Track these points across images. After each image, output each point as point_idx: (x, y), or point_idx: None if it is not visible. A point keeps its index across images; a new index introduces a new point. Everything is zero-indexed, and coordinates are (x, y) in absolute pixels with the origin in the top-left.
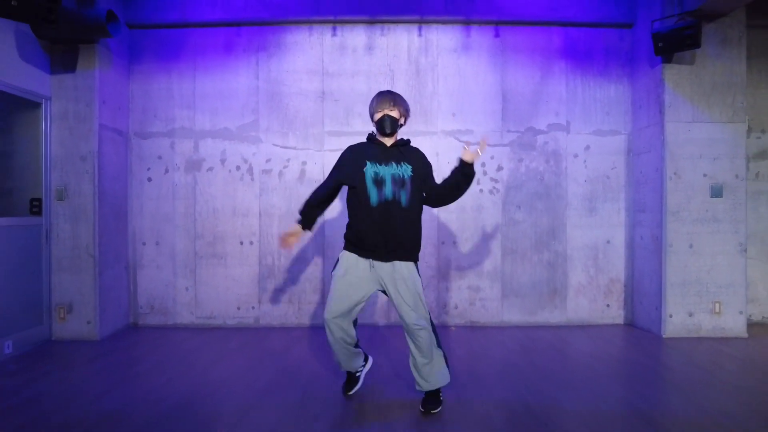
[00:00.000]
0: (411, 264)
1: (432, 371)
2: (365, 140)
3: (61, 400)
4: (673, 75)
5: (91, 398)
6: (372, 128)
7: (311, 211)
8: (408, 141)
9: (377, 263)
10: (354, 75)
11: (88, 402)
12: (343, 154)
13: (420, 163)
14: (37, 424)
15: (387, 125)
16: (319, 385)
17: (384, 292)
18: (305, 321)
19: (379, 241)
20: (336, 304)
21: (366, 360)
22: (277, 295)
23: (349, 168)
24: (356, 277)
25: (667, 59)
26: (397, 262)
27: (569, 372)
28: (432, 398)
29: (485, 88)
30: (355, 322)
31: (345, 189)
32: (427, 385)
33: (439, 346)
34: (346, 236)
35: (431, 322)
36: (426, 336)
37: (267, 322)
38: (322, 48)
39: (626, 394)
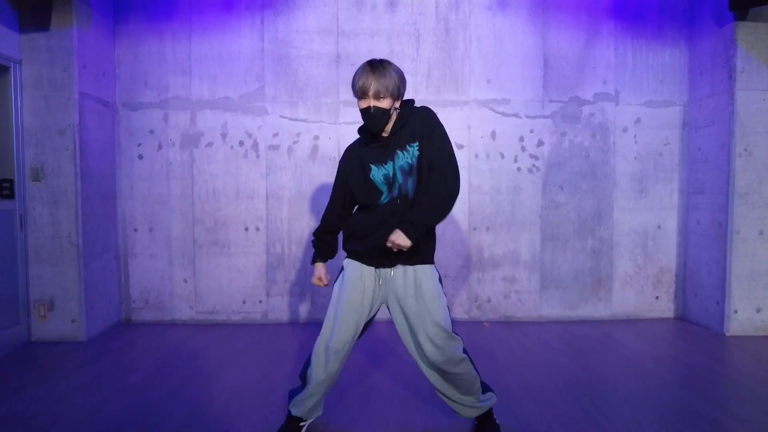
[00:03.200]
0: (429, 267)
1: (478, 398)
2: (357, 140)
3: (43, 420)
4: (747, 35)
5: (78, 417)
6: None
7: (322, 241)
8: (410, 104)
9: (384, 272)
10: (374, 35)
11: (76, 422)
12: (340, 163)
13: (422, 130)
14: None
15: (370, 122)
16: (344, 394)
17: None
18: (319, 316)
19: (384, 241)
20: (344, 328)
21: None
22: (287, 287)
23: (354, 178)
24: (367, 289)
25: (741, 16)
26: (408, 267)
27: (632, 380)
28: (488, 424)
29: (524, 52)
30: None
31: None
32: (473, 412)
33: (476, 372)
34: (345, 233)
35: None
36: (468, 368)
37: (276, 317)
38: (336, 4)
39: (699, 402)
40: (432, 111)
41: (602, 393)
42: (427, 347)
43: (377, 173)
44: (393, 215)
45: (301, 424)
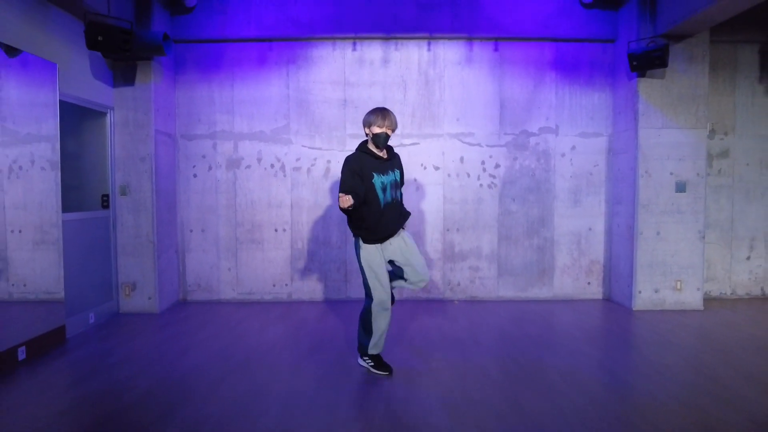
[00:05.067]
0: (405, 232)
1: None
2: (358, 151)
3: (148, 361)
4: (646, 87)
5: (170, 359)
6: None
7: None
8: (391, 147)
9: (388, 241)
10: (371, 85)
11: (169, 362)
12: (351, 167)
13: (401, 165)
14: (137, 378)
15: (382, 141)
16: (352, 347)
17: (390, 262)
18: (331, 295)
19: (390, 230)
20: (387, 290)
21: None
22: (306, 274)
23: (362, 178)
24: (381, 257)
25: (642, 74)
26: (398, 235)
27: (552, 337)
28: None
29: (485, 96)
30: None
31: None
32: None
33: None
34: (361, 232)
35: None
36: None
37: (298, 297)
38: (344, 61)
39: (597, 353)
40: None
41: (524, 343)
42: (419, 269)
43: (377, 180)
44: (392, 213)
45: (381, 354)
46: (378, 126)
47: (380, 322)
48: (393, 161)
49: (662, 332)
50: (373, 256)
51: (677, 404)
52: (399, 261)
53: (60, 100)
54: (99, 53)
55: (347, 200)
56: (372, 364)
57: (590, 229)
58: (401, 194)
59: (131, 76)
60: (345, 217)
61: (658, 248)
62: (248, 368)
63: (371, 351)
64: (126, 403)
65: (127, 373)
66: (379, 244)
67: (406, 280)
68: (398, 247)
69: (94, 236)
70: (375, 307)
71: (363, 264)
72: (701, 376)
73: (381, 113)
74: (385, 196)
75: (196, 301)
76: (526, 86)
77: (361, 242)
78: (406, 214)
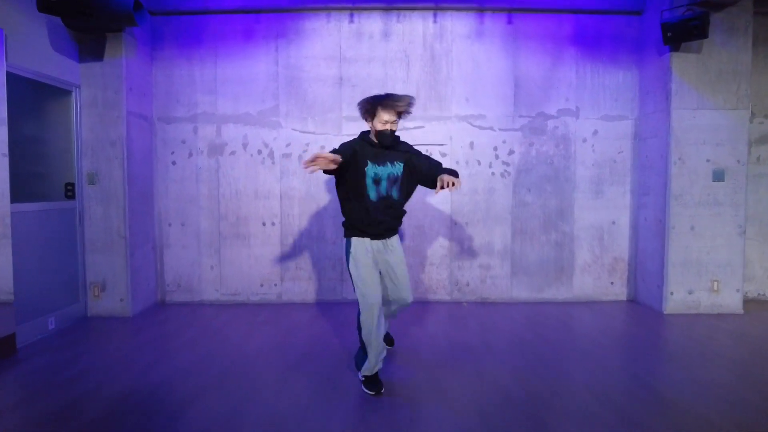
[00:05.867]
0: (397, 237)
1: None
2: (359, 137)
3: (111, 374)
4: (680, 63)
5: (138, 371)
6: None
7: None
8: (398, 137)
9: (376, 244)
10: (370, 61)
11: (136, 375)
12: (349, 143)
13: (408, 156)
14: (95, 395)
15: (388, 139)
16: (348, 357)
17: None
18: (325, 297)
19: (381, 228)
20: (375, 287)
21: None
22: (297, 273)
23: (354, 156)
24: (372, 259)
25: (675, 48)
26: (390, 239)
27: (575, 344)
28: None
29: (498, 74)
30: None
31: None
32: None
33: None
34: (350, 226)
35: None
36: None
37: (289, 298)
38: (339, 34)
39: (630, 365)
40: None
41: (544, 353)
42: (403, 284)
43: (370, 169)
44: (385, 211)
45: (377, 372)
46: (381, 122)
47: (374, 326)
48: (396, 152)
49: (701, 339)
50: (361, 255)
51: (738, 431)
52: (382, 271)
53: (10, 74)
54: (60, 21)
55: (328, 155)
56: (362, 379)
57: (614, 222)
58: (405, 193)
59: (100, 50)
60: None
61: (693, 244)
62: (227, 383)
63: (368, 372)
64: (74, 429)
65: (81, 391)
66: (368, 243)
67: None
68: (387, 253)
69: (55, 230)
70: (365, 319)
71: (351, 267)
72: (757, 394)
73: (385, 101)
74: (378, 189)
75: (176, 302)
76: (543, 63)
77: (351, 244)
78: (400, 216)
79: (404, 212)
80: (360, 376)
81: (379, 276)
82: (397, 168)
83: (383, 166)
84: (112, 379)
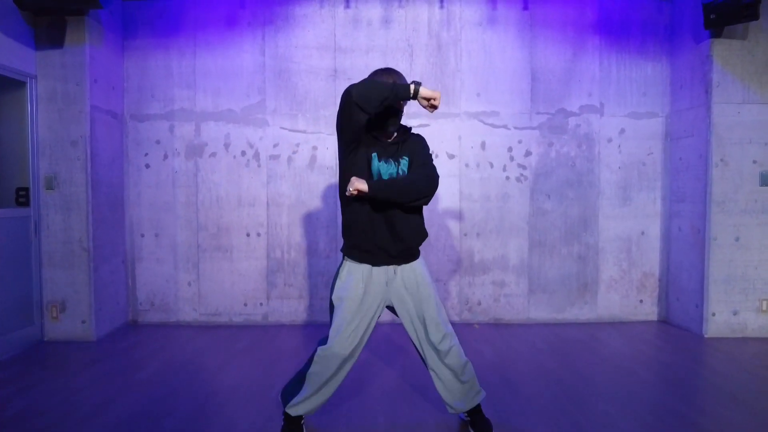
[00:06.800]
0: (419, 261)
1: (472, 388)
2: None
3: (57, 414)
4: (722, 51)
5: (90, 411)
6: None
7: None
8: (409, 129)
9: (384, 273)
10: (369, 51)
11: (87, 415)
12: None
13: (416, 151)
14: None
15: (391, 128)
16: (340, 392)
17: (390, 309)
18: (317, 318)
19: (386, 236)
20: (349, 336)
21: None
22: (286, 291)
23: (361, 149)
24: (363, 294)
25: (717, 33)
26: (405, 266)
27: (610, 378)
28: (481, 418)
29: (512, 66)
30: None
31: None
32: (465, 406)
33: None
34: (349, 243)
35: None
36: (457, 350)
37: (276, 319)
38: (334, 21)
39: (677, 402)
40: (423, 138)
41: (580, 390)
42: (438, 318)
43: (375, 163)
44: (391, 218)
45: (302, 422)
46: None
47: (322, 376)
48: (402, 146)
49: (753, 369)
50: (350, 287)
51: None
52: (407, 309)
53: None
54: (10, 1)
55: (362, 183)
56: (284, 423)
57: (643, 233)
58: (415, 170)
59: (59, 36)
60: (335, 218)
61: (737, 258)
62: (195, 428)
63: (291, 411)
64: None
65: None
66: (366, 272)
67: (423, 349)
68: (408, 283)
69: (5, 242)
70: (318, 368)
71: (332, 296)
72: None
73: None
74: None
75: (149, 323)
76: (563, 54)
77: (343, 267)
78: (422, 232)
79: (423, 226)
80: (284, 409)
81: (368, 322)
82: (404, 164)
83: (389, 164)
84: (54, 422)
